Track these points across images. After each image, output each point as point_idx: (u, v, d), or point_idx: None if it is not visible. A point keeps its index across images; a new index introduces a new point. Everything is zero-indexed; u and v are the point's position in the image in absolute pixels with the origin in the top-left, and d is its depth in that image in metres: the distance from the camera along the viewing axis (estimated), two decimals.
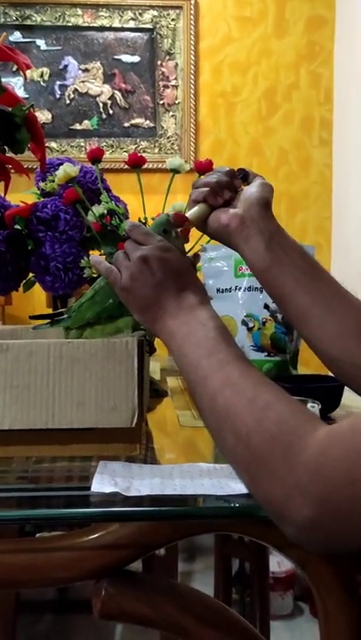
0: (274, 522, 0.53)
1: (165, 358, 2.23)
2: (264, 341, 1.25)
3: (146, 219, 1.25)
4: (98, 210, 1.21)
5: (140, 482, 0.72)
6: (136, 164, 1.23)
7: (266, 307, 1.25)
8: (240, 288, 1.28)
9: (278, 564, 2.25)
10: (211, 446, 0.99)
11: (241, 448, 0.56)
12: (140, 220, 1.23)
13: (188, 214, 0.80)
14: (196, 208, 0.81)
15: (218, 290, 1.30)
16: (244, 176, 0.83)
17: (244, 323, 1.26)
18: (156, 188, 2.39)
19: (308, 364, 1.29)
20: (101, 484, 0.70)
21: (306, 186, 2.74)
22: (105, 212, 1.22)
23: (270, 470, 0.53)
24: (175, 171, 1.24)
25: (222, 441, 0.59)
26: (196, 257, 0.83)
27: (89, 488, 0.69)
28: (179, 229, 0.76)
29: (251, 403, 0.57)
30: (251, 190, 0.80)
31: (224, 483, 0.72)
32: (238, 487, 0.68)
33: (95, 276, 1.21)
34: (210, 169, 1.20)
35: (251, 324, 1.26)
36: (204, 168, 1.20)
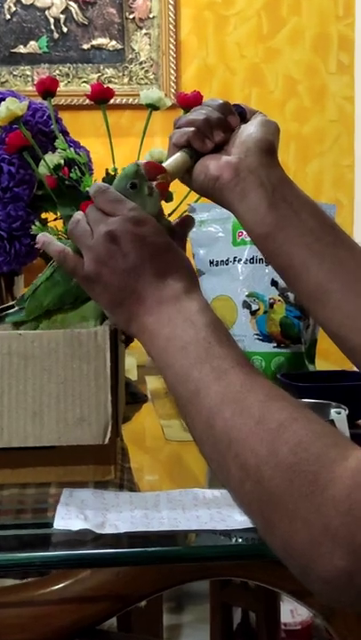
0: (296, 575, 0.54)
1: (143, 351, 2.22)
2: (272, 328, 1.25)
3: (115, 170, 1.24)
4: (52, 159, 1.20)
5: (117, 515, 0.72)
6: (101, 99, 1.22)
7: (274, 283, 1.25)
8: (240, 260, 1.28)
9: (292, 612, 2.27)
10: (206, 466, 1.00)
11: (250, 484, 0.55)
12: (107, 173, 1.22)
13: (166, 163, 0.78)
14: (177, 155, 0.79)
15: (211, 262, 1.30)
16: (241, 113, 0.81)
17: (245, 305, 1.26)
18: (128, 130, 2.38)
19: (329, 357, 1.29)
20: (66, 518, 0.70)
21: (321, 125, 2.74)
22: (62, 161, 1.20)
23: (290, 511, 0.52)
24: (152, 107, 1.23)
25: (225, 475, 0.58)
26: (187, 223, 0.81)
27: (50, 524, 0.69)
28: (153, 183, 0.74)
29: (259, 424, 0.56)
30: (249, 131, 0.78)
31: (225, 514, 0.72)
32: (244, 520, 0.68)
33: None
34: (198, 103, 1.19)
35: (255, 307, 1.26)
36: (189, 102, 1.18)
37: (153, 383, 1.46)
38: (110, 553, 0.66)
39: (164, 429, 1.08)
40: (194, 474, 0.96)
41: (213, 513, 0.73)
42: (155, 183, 0.74)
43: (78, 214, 0.71)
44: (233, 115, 0.79)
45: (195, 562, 0.68)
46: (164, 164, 0.78)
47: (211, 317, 0.65)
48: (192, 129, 0.78)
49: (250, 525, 0.62)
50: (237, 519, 0.70)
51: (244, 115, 0.81)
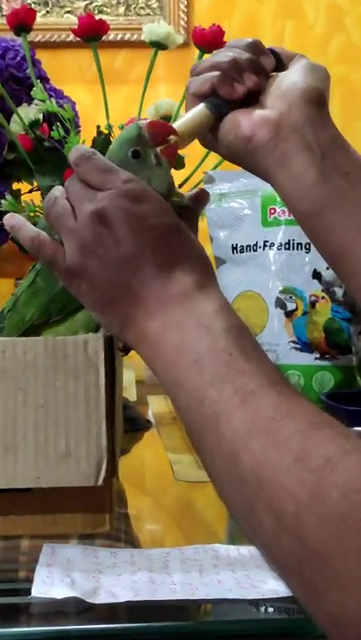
0: None
1: (142, 363, 2.22)
2: (314, 334, 1.25)
3: (110, 128, 1.24)
4: (27, 113, 1.20)
5: (115, 579, 0.72)
6: (91, 35, 1.21)
7: (316, 275, 1.25)
8: (272, 244, 1.28)
9: None
10: (227, 514, 1.00)
11: (288, 539, 0.55)
12: (99, 132, 1.22)
13: (182, 119, 0.79)
14: (197, 108, 0.79)
15: (234, 248, 1.30)
16: (276, 58, 0.81)
17: (279, 303, 1.27)
18: (124, 75, 2.38)
19: None
20: (48, 583, 0.70)
21: None
22: (40, 116, 1.21)
23: (339, 574, 0.52)
24: (158, 45, 1.23)
25: (253, 527, 0.58)
26: (200, 198, 0.81)
27: (28, 592, 0.69)
28: (159, 149, 0.74)
29: (300, 461, 0.56)
30: (290, 78, 0.79)
31: (255, 578, 0.72)
32: (279, 586, 0.67)
33: None
34: (218, 41, 1.19)
35: (291, 306, 1.26)
36: (207, 40, 1.19)
37: (157, 405, 1.47)
38: (106, 629, 0.66)
39: (172, 466, 1.08)
40: (211, 525, 0.96)
41: (240, 577, 0.73)
42: (161, 149, 0.74)
43: (57, 190, 0.71)
44: (267, 55, 0.80)
45: None
46: (179, 121, 0.78)
47: (232, 321, 0.65)
48: (217, 73, 0.78)
49: (287, 593, 0.62)
50: (271, 585, 0.70)
51: (280, 60, 0.81)
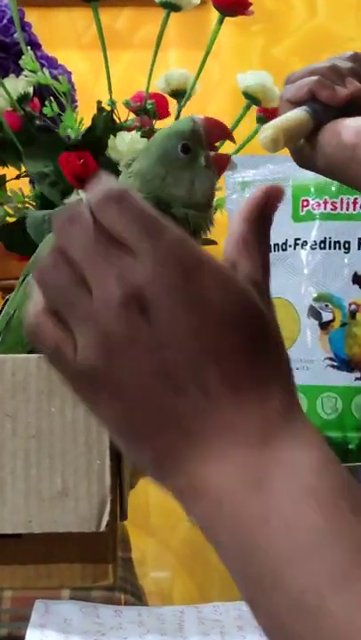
0: None
1: None
2: (354, 350, 1.25)
3: (113, 104, 1.24)
4: (16, 86, 1.22)
5: None
6: None
7: (357, 279, 1.25)
8: (305, 243, 1.28)
9: None
10: None
11: None
12: (100, 108, 1.22)
13: (275, 120, 0.82)
14: (293, 112, 0.83)
15: None
16: None
17: (312, 313, 1.27)
18: (127, 39, 2.38)
19: None
20: None
21: None
22: (30, 90, 1.22)
23: None
24: (171, 6, 1.24)
25: None
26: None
27: None
28: (212, 153, 0.76)
29: None
30: None
31: None
32: None
33: (12, 221, 1.21)
34: (243, 3, 1.20)
35: (327, 316, 1.26)
36: (232, 2, 1.19)
37: None
38: None
39: None
40: (228, 576, 0.96)
41: None
42: (214, 154, 0.75)
43: (58, 241, 0.55)
44: None
45: None
46: (275, 120, 0.82)
47: (338, 476, 0.53)
48: (315, 77, 0.82)
49: None
50: None
51: None
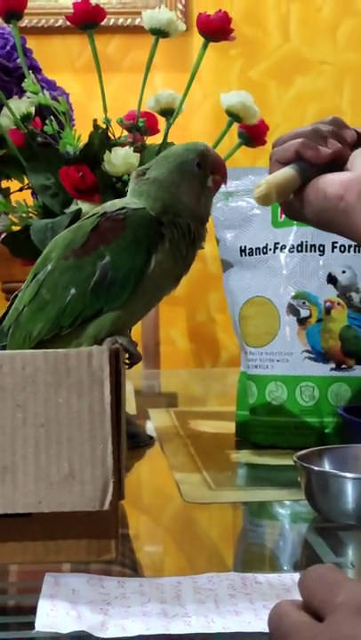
0: None
1: (140, 372, 2.23)
2: (330, 343, 1.25)
3: (108, 122, 1.23)
4: (19, 107, 1.21)
5: (124, 611, 0.71)
6: (88, 22, 1.21)
7: (331, 279, 1.25)
8: (284, 246, 1.28)
9: None
10: (240, 538, 0.99)
11: None
12: (96, 126, 1.21)
13: (267, 177, 0.84)
14: (282, 170, 0.85)
15: (243, 250, 1.30)
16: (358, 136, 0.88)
17: (291, 310, 1.26)
18: (117, 63, 2.37)
19: None
20: (52, 617, 0.70)
21: None
22: (32, 110, 1.21)
23: None
24: (160, 33, 1.24)
25: None
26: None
27: (31, 626, 0.68)
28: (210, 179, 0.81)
29: None
30: None
31: None
32: None
33: (17, 230, 1.20)
34: (225, 27, 1.19)
35: (304, 313, 1.26)
36: (213, 27, 1.19)
37: (159, 419, 1.46)
38: None
39: (179, 487, 1.08)
40: (220, 550, 0.95)
41: (258, 608, 0.72)
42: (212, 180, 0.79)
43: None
44: (348, 129, 0.88)
45: None
46: (266, 179, 0.84)
47: None
48: (301, 139, 0.85)
49: None
50: None
51: (360, 137, 0.89)
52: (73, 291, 0.93)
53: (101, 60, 1.25)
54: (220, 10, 1.20)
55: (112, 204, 0.98)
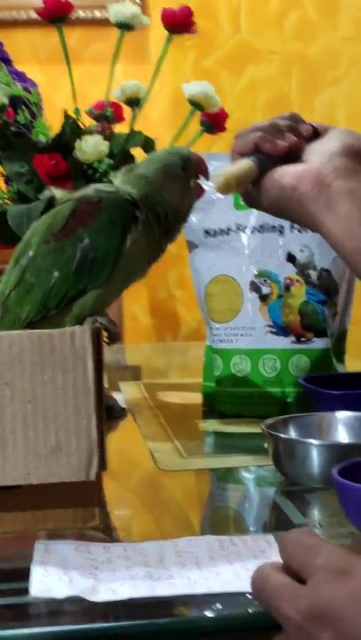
0: None
1: (105, 346, 2.22)
2: (289, 318, 1.26)
3: (77, 111, 1.23)
4: None
5: (112, 575, 0.72)
6: (57, 16, 1.21)
7: (291, 258, 1.26)
8: (245, 227, 1.28)
9: None
10: (214, 502, 1.00)
11: None
12: (67, 117, 1.21)
13: (226, 169, 0.86)
14: (240, 162, 0.86)
15: (207, 232, 1.30)
16: (314, 131, 0.90)
17: (253, 287, 1.27)
18: (78, 54, 2.35)
19: None
20: (45, 582, 0.70)
21: (332, 45, 2.74)
22: (5, 100, 1.21)
23: None
24: (125, 26, 1.25)
25: None
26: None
27: (25, 591, 0.69)
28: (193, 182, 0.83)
29: None
30: (328, 142, 0.87)
31: (253, 569, 0.71)
32: None
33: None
34: (188, 21, 1.19)
35: (265, 290, 1.26)
36: (177, 21, 1.19)
37: (130, 391, 1.47)
38: (110, 627, 0.66)
39: (153, 455, 1.09)
40: (195, 516, 0.96)
41: (237, 569, 0.73)
42: (195, 181, 0.81)
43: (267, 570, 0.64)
44: (304, 123, 0.90)
45: (222, 635, 0.68)
46: (226, 169, 0.86)
47: None
48: (259, 133, 0.86)
49: None
50: None
51: (316, 132, 0.91)
52: (56, 273, 0.93)
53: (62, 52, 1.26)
54: (183, 4, 1.20)
55: (87, 189, 0.99)
